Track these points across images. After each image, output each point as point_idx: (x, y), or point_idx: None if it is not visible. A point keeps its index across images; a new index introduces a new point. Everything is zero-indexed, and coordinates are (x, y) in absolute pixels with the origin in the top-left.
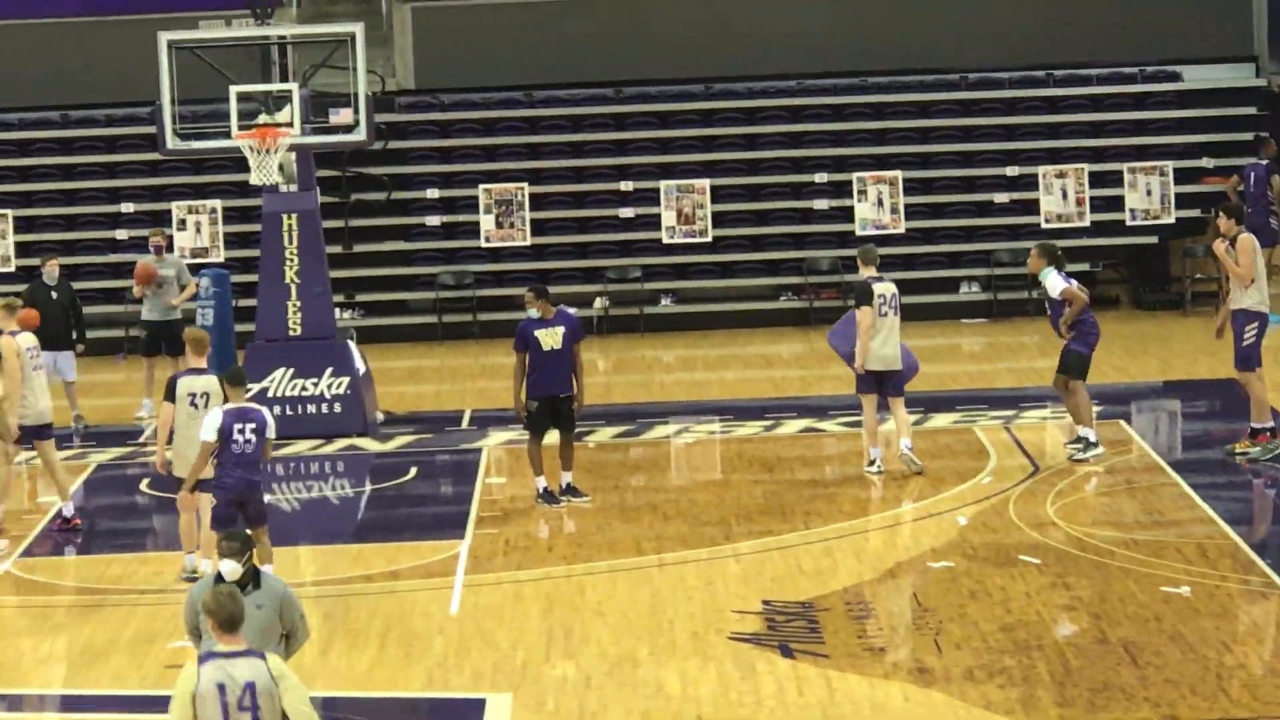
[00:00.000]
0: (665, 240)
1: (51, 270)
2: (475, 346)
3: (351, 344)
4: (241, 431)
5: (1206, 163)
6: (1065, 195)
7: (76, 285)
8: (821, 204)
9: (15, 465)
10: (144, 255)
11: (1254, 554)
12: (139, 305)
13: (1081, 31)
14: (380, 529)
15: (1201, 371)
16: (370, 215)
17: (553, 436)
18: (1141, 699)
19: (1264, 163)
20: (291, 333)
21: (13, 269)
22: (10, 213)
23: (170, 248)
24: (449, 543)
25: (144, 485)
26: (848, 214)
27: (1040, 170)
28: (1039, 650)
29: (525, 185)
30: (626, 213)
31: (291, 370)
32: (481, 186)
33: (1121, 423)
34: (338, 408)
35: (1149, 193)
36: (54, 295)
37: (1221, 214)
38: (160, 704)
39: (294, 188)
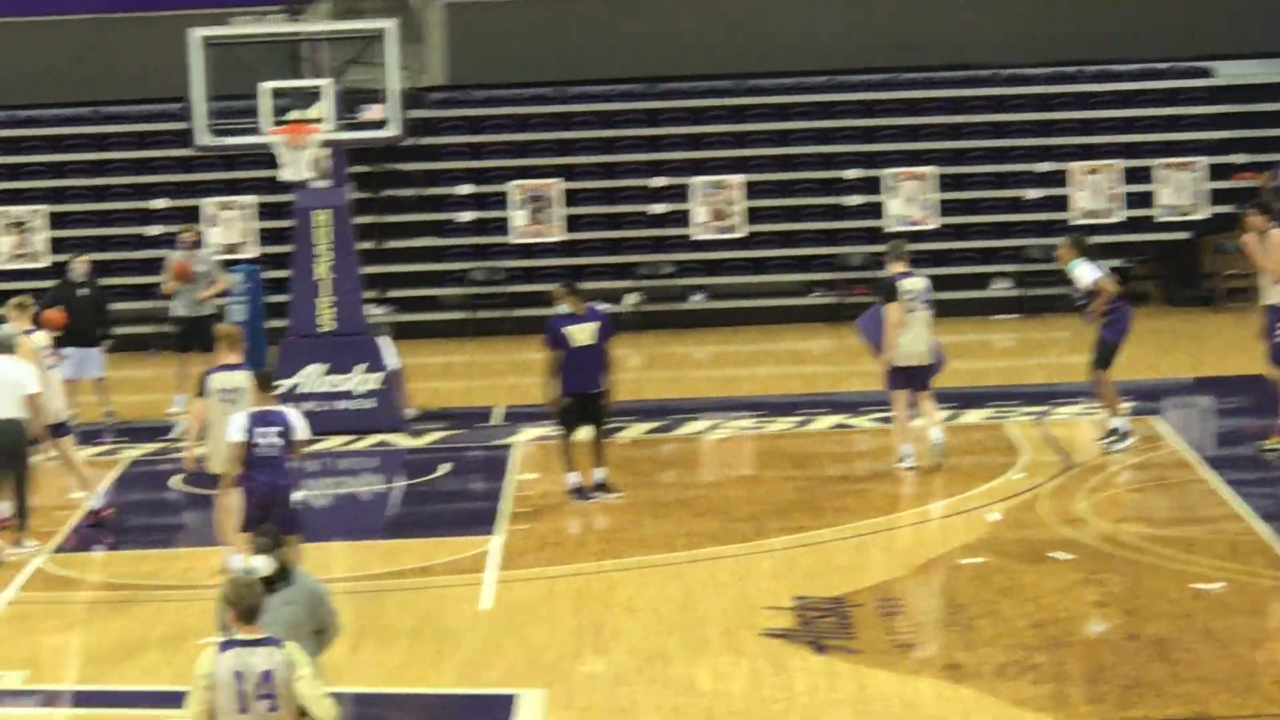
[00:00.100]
0: (697, 236)
1: (79, 267)
2: (506, 342)
3: (384, 339)
4: (265, 434)
5: (1238, 158)
6: (1097, 191)
7: (108, 281)
8: (853, 200)
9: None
10: (174, 252)
11: None
12: (170, 301)
13: (1113, 27)
14: (412, 525)
15: (1233, 368)
16: (402, 211)
17: (585, 432)
18: (1173, 695)
19: None
20: (324, 328)
21: (46, 264)
22: (43, 208)
23: (201, 243)
24: (480, 539)
25: (176, 481)
26: (879, 210)
27: (1072, 166)
28: (1070, 647)
29: (557, 181)
30: (658, 209)
31: (323, 366)
32: (513, 182)
33: (1153, 419)
34: (370, 403)
35: (1181, 189)
36: (81, 292)
37: (1253, 210)
38: None
39: (326, 184)
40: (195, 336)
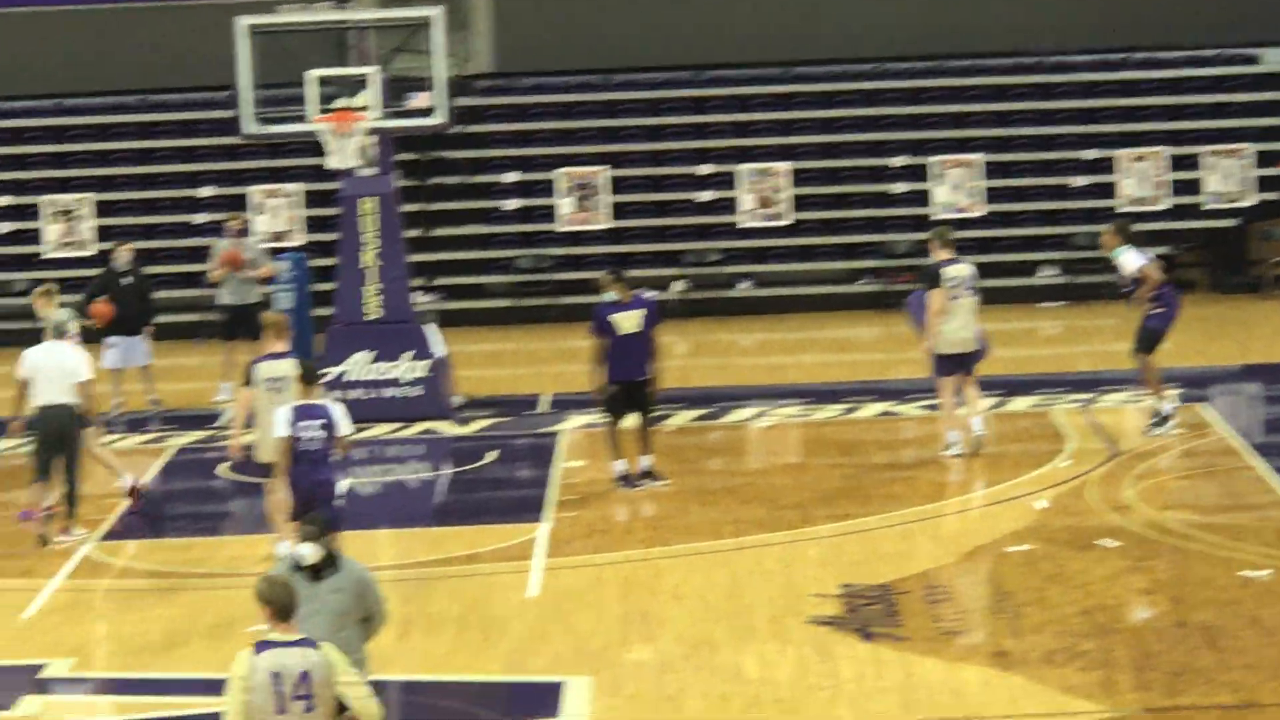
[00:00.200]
0: (743, 224)
1: (122, 256)
2: (553, 330)
3: (430, 327)
4: (307, 428)
5: None
6: (1144, 179)
7: (154, 269)
8: (899, 187)
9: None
10: (221, 240)
11: None
12: (217, 289)
13: (1160, 14)
14: (459, 512)
15: None
16: (448, 199)
17: (631, 420)
18: (1221, 683)
19: None
20: (370, 316)
21: (93, 253)
22: (90, 196)
23: (248, 231)
24: (527, 526)
25: (223, 469)
26: (926, 198)
27: (1118, 153)
28: (1117, 634)
29: (604, 169)
30: (705, 196)
31: (371, 354)
32: (560, 170)
33: (1200, 406)
34: (417, 391)
35: (1228, 176)
36: (125, 281)
37: None
38: None
39: (372, 172)
40: (242, 325)
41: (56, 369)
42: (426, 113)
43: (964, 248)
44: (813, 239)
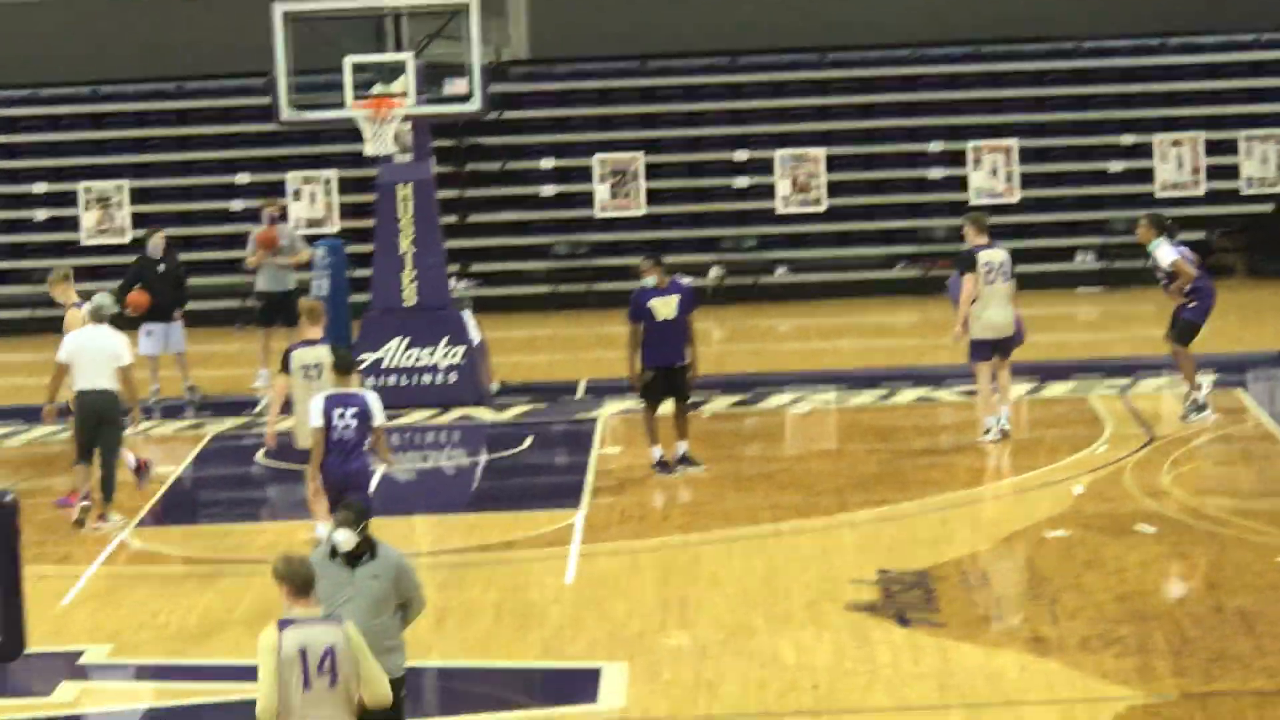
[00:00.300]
0: (780, 210)
1: (156, 243)
2: (589, 316)
3: (467, 313)
4: (341, 416)
5: None
6: (1181, 163)
7: (191, 256)
8: (936, 173)
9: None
10: (258, 226)
11: None
12: (254, 276)
13: None
14: (496, 499)
15: None
16: (485, 185)
17: (668, 406)
18: (1258, 668)
19: None
20: (407, 303)
21: (129, 240)
22: (126, 184)
23: (284, 217)
24: (564, 512)
25: (259, 456)
26: (963, 183)
27: (1155, 138)
28: (1155, 620)
29: (640, 155)
30: (741, 182)
31: (407, 340)
32: (596, 156)
33: (1237, 391)
34: (453, 377)
35: (1265, 160)
36: (160, 268)
37: None
38: None
39: (409, 158)
40: (279, 311)
41: (99, 352)
42: (463, 99)
43: (1000, 233)
44: (849, 224)
